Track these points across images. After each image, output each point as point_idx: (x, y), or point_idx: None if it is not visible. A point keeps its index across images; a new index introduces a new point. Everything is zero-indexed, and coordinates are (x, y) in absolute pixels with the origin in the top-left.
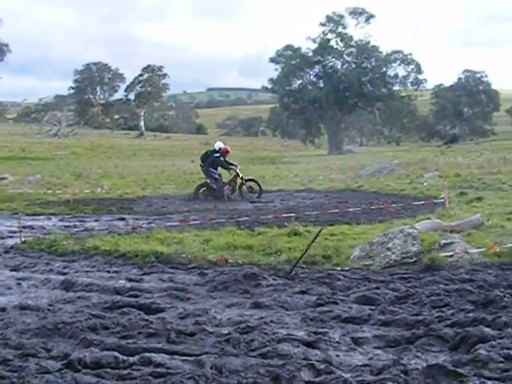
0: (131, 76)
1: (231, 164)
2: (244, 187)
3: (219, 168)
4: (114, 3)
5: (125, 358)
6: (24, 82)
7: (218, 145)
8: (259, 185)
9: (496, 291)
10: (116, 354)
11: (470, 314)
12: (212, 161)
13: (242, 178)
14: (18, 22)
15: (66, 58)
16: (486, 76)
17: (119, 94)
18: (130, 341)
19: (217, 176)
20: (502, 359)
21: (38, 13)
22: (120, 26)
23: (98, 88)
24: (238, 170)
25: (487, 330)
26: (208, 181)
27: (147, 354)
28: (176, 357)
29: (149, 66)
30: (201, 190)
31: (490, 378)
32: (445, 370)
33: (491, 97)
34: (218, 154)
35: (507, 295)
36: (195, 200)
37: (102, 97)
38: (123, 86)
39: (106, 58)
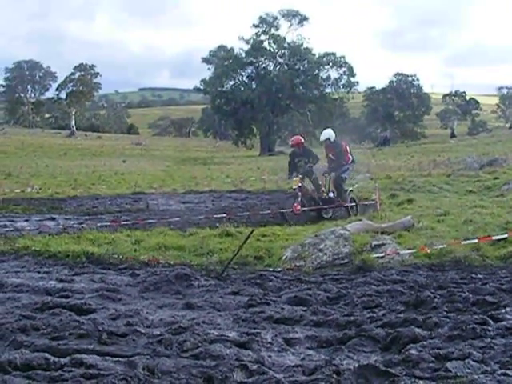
0: (62, 74)
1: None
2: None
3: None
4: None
5: (56, 359)
6: None
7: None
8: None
9: (427, 292)
10: (47, 355)
11: (401, 315)
12: None
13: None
14: None
15: None
16: (418, 79)
17: (50, 93)
18: (61, 342)
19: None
20: (432, 359)
21: None
22: (48, 23)
23: (28, 86)
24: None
25: (418, 330)
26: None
27: (78, 356)
28: (108, 358)
29: (81, 64)
30: None
31: (421, 378)
32: (376, 370)
33: (422, 100)
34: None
35: (437, 296)
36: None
37: (32, 95)
38: (55, 85)
39: (34, 55)
